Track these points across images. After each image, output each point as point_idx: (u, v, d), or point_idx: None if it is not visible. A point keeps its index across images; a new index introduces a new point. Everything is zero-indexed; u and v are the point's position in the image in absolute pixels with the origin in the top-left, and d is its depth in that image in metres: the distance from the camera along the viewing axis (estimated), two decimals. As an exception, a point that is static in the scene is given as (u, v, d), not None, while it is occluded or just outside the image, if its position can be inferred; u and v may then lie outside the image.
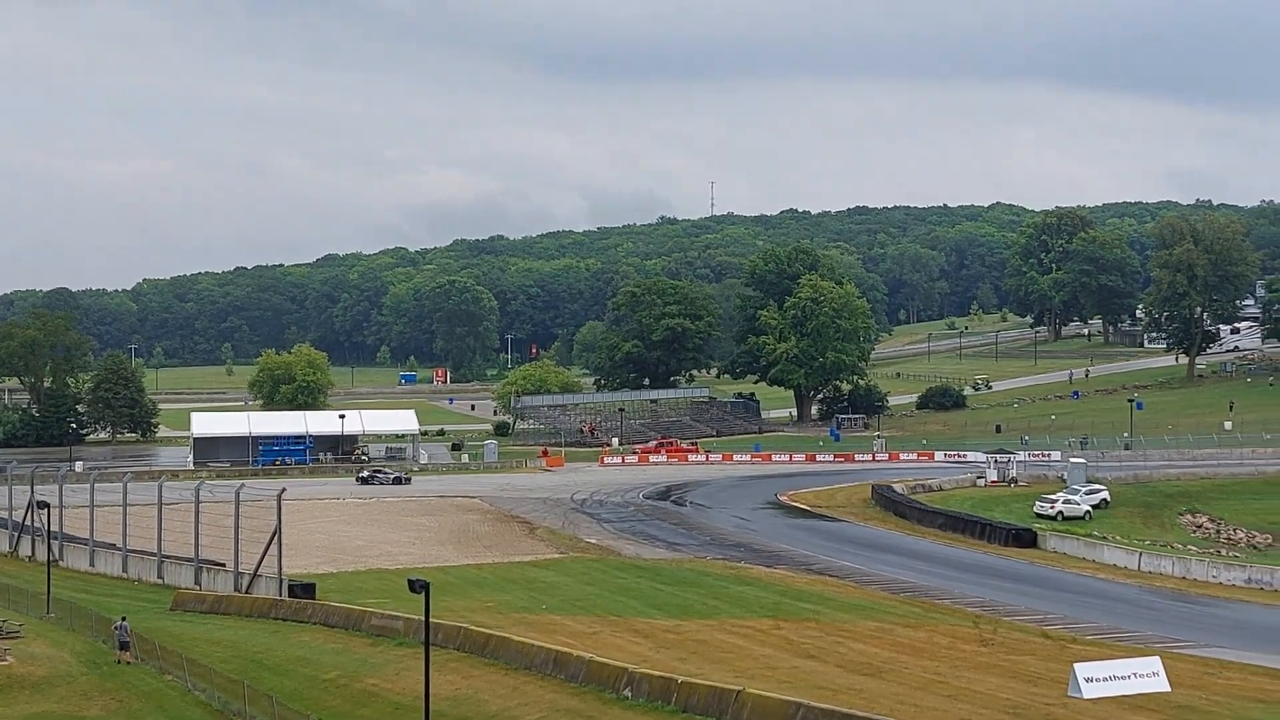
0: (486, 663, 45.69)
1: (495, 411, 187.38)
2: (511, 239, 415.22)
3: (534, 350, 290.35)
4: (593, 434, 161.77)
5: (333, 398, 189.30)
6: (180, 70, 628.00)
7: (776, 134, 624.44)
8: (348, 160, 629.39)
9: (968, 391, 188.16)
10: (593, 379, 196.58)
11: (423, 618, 37.31)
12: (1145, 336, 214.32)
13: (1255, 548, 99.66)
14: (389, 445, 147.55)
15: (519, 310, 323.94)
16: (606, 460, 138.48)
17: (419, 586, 36.06)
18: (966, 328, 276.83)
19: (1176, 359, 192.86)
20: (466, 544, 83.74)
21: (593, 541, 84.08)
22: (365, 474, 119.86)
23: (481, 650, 46.73)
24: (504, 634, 47.63)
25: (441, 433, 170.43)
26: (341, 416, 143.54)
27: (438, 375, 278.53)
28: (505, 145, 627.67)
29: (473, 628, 48.75)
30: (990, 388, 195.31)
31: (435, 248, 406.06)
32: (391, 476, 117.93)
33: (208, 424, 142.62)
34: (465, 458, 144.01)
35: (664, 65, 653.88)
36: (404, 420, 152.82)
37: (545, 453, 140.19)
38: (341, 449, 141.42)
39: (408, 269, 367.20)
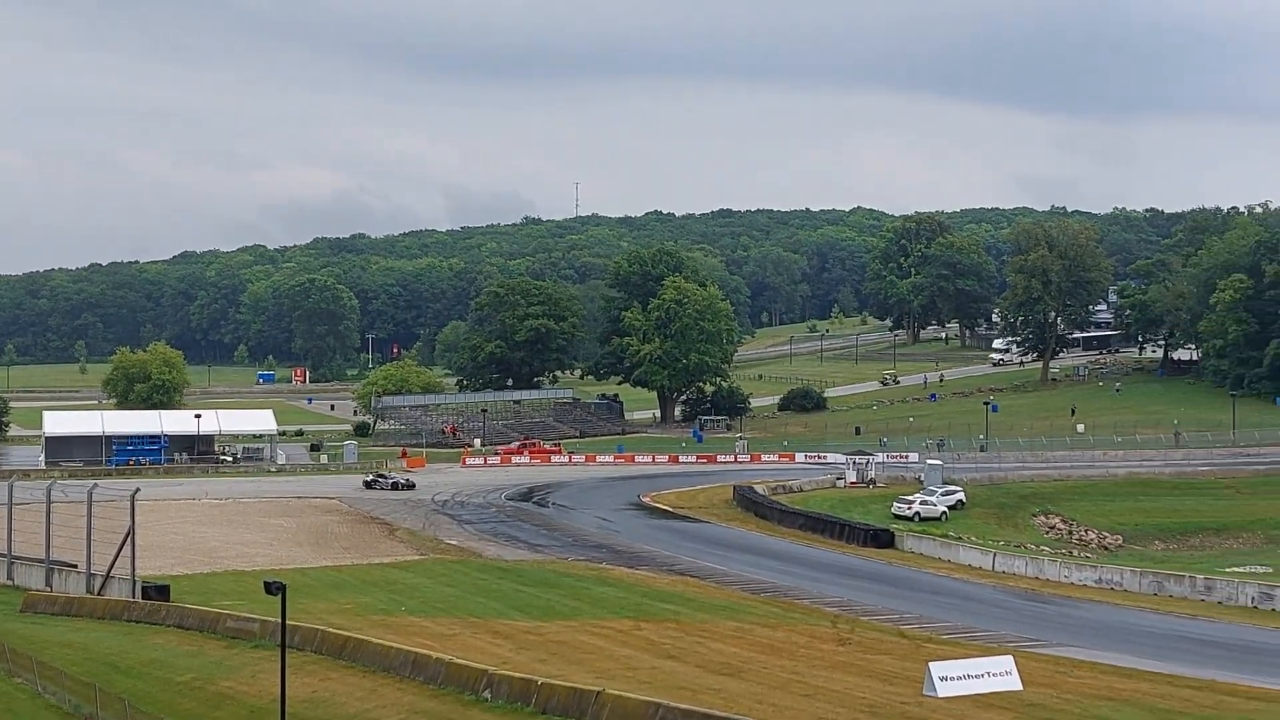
0: (344, 665, 45.16)
1: (355, 412, 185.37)
2: (373, 237, 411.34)
3: (395, 350, 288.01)
4: (455, 435, 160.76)
5: (189, 397, 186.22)
6: (30, 63, 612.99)
7: (641, 135, 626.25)
8: (205, 157, 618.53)
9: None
10: (455, 379, 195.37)
11: (279, 620, 36.77)
12: (1000, 340, 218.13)
13: (1106, 549, 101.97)
14: (245, 445, 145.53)
15: (380, 309, 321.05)
16: (468, 461, 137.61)
17: (275, 588, 35.56)
18: (828, 330, 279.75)
19: (1020, 363, 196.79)
20: (325, 545, 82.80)
21: (454, 543, 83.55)
22: (369, 479, 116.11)
23: (339, 652, 46.18)
24: (362, 636, 47.12)
25: (300, 433, 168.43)
26: (197, 416, 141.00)
27: (297, 375, 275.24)
28: (366, 144, 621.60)
29: (330, 630, 48.17)
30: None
31: (295, 246, 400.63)
32: (390, 481, 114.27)
33: (60, 423, 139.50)
34: (324, 458, 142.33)
35: (528, 65, 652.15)
36: (262, 420, 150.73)
37: (405, 453, 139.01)
38: (198, 449, 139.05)
39: (266, 267, 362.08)
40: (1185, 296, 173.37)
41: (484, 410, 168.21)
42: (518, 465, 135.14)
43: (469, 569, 71.48)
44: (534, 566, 72.35)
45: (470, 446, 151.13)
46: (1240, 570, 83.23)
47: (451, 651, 44.82)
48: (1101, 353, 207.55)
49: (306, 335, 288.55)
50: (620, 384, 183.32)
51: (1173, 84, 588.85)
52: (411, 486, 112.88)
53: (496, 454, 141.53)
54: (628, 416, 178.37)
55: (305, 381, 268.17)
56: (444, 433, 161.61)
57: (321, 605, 56.73)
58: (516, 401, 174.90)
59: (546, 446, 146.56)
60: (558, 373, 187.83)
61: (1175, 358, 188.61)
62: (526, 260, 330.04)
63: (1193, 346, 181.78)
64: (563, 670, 42.79)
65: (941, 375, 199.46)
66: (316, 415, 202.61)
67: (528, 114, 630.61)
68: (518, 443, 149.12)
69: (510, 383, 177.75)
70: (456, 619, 54.62)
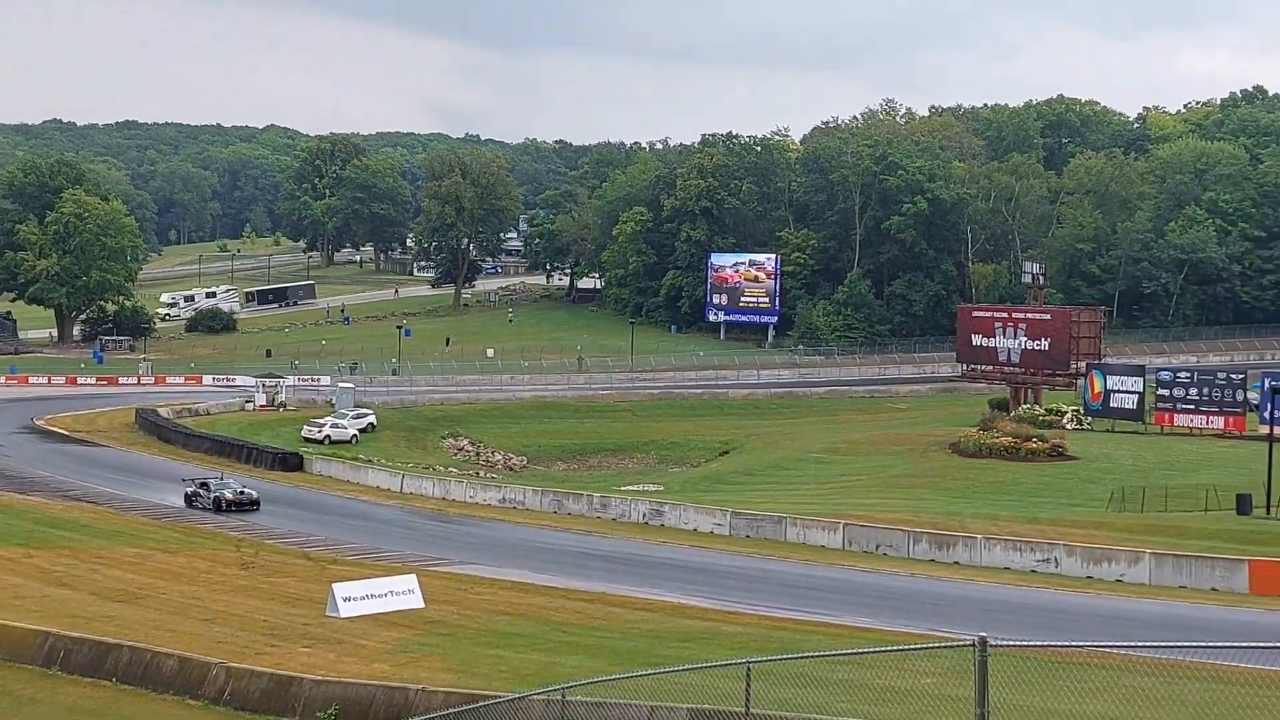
0: None
1: None
2: None
3: None
4: None
5: None
6: None
7: (38, 38, 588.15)
8: None
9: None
10: None
11: None
12: (415, 265, 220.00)
13: (512, 469, 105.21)
14: None
15: None
16: None
17: None
18: (239, 250, 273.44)
19: (433, 286, 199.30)
20: None
21: None
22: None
23: None
24: None
25: None
26: None
27: None
28: None
29: None
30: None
31: None
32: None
33: None
34: None
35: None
36: None
37: None
38: None
39: None
40: (590, 227, 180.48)
41: None
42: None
43: None
44: (-90, 495, 67.23)
45: None
46: (634, 489, 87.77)
47: None
48: (508, 284, 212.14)
49: None
50: (14, 301, 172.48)
51: (575, 19, 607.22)
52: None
53: None
54: (21, 336, 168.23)
55: None
56: None
57: None
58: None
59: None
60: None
61: (580, 286, 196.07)
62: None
63: (597, 275, 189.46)
64: (-60, 603, 39.96)
65: (342, 308, 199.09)
66: None
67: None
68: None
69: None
70: None
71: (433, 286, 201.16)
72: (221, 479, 72.02)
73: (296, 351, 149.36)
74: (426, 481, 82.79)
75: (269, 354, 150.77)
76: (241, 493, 68.78)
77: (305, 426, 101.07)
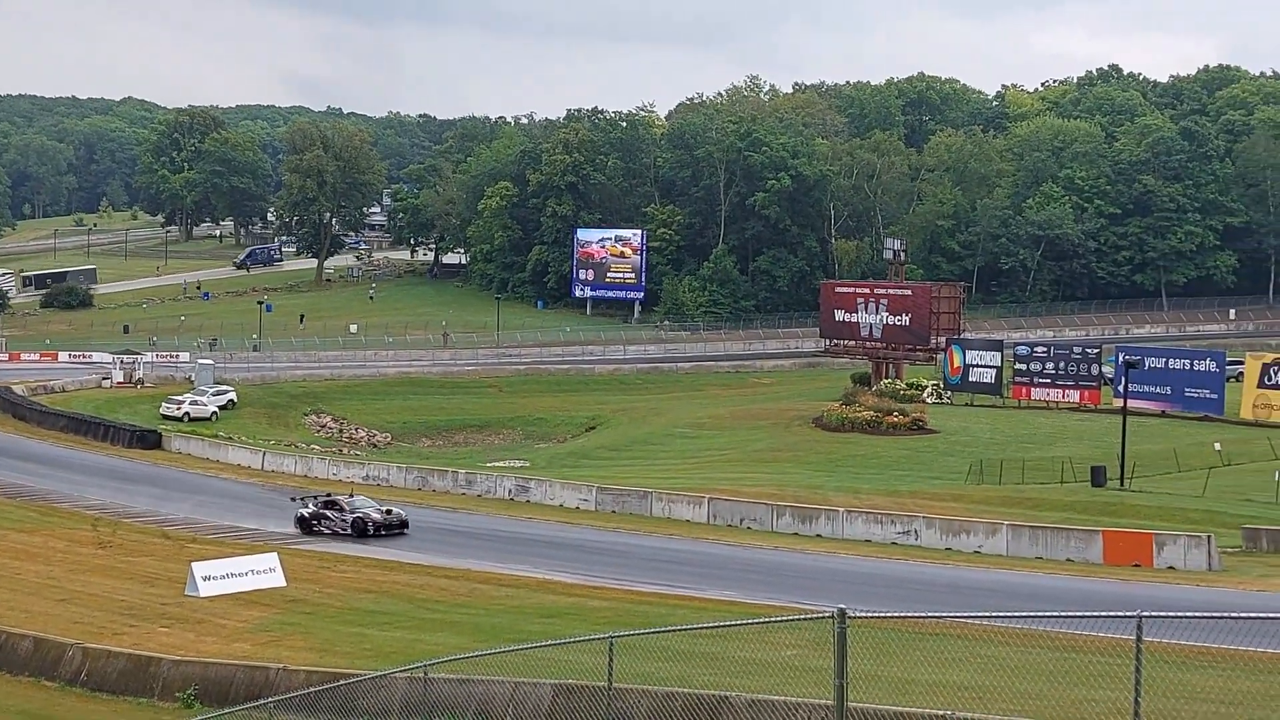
0: None
1: None
2: None
3: None
4: None
5: None
6: None
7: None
8: None
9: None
10: None
11: None
12: (277, 239, 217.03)
13: (376, 446, 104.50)
14: None
15: None
16: None
17: None
18: (96, 224, 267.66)
19: (236, 268, 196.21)
20: None
21: None
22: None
23: None
24: None
25: None
26: None
27: None
28: None
29: None
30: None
31: None
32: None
33: None
34: None
35: None
36: None
37: None
38: None
39: None
40: (455, 202, 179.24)
41: None
42: None
43: None
44: None
45: None
46: (500, 465, 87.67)
47: None
48: (370, 256, 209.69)
49: None
50: None
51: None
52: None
53: None
54: None
55: None
56: None
57: None
58: None
59: None
60: None
61: (445, 261, 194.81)
62: None
63: (462, 250, 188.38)
64: None
65: (199, 285, 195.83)
66: None
67: None
68: None
69: None
70: None
71: (236, 268, 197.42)
72: (351, 496, 57.59)
73: (155, 328, 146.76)
74: (288, 459, 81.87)
75: (126, 330, 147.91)
76: (389, 513, 55.95)
77: (164, 403, 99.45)
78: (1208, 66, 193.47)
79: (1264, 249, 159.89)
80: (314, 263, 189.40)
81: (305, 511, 55.66)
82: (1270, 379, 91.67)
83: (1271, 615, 15.86)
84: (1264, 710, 17.99)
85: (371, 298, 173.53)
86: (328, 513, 55.36)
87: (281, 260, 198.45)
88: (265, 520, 58.97)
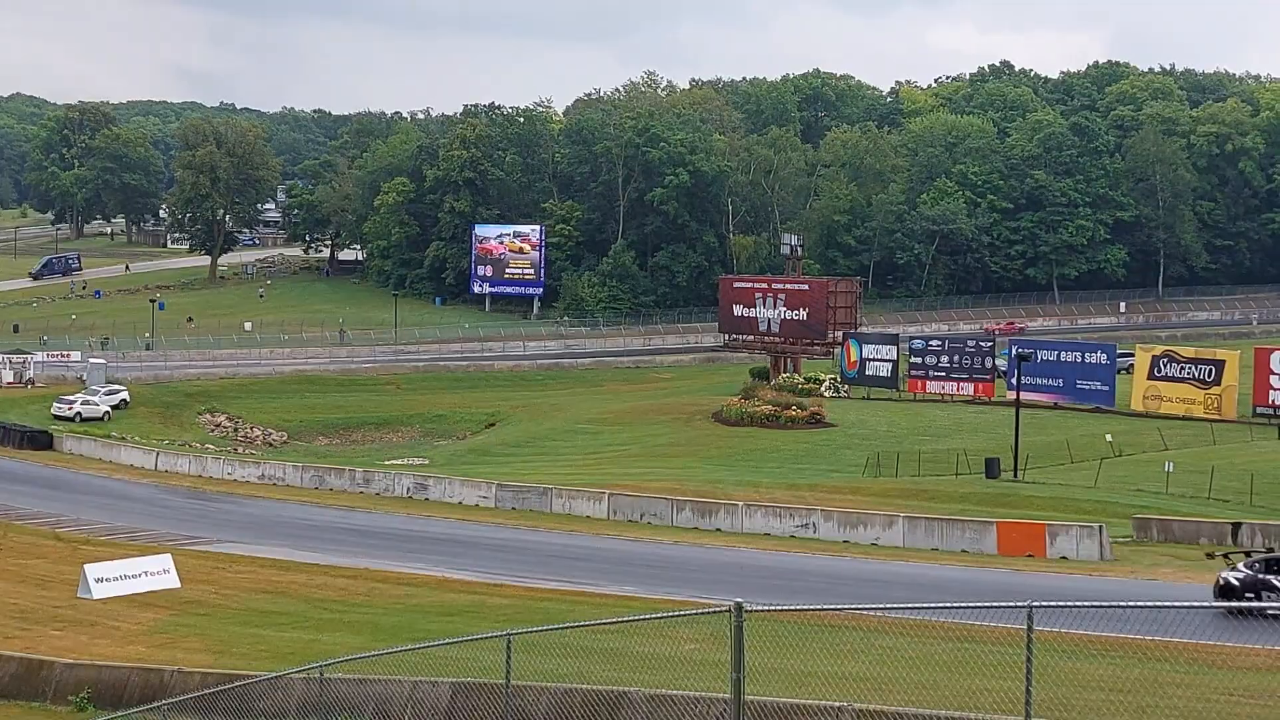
0: None
1: None
2: None
3: None
4: None
5: None
6: None
7: None
8: None
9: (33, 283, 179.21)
10: None
11: None
12: (169, 236, 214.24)
13: (271, 445, 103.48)
14: None
15: None
16: None
17: None
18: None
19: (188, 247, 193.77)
20: None
21: None
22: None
23: None
24: None
25: None
26: None
27: None
28: None
29: None
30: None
31: None
32: None
33: None
34: None
35: None
36: None
37: None
38: None
39: None
40: (351, 198, 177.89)
41: None
42: None
43: None
44: None
45: None
46: (398, 462, 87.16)
47: None
48: (266, 256, 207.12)
49: None
50: None
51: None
52: None
53: None
54: None
55: None
56: None
57: None
58: None
59: None
60: None
61: (341, 258, 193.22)
62: None
63: (358, 247, 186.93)
64: None
65: (84, 285, 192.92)
66: None
67: None
68: None
69: None
70: None
71: (32, 279, 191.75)
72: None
73: (45, 326, 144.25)
74: (182, 459, 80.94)
75: (16, 329, 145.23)
76: None
77: (55, 403, 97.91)
78: (1097, 63, 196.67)
79: (1153, 243, 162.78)
80: (208, 260, 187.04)
81: (1234, 578, 33.09)
82: (1160, 370, 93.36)
83: (1160, 604, 16.12)
84: (1152, 697, 18.32)
85: (261, 296, 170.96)
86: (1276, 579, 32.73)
87: (80, 269, 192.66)
88: (159, 521, 58.23)
